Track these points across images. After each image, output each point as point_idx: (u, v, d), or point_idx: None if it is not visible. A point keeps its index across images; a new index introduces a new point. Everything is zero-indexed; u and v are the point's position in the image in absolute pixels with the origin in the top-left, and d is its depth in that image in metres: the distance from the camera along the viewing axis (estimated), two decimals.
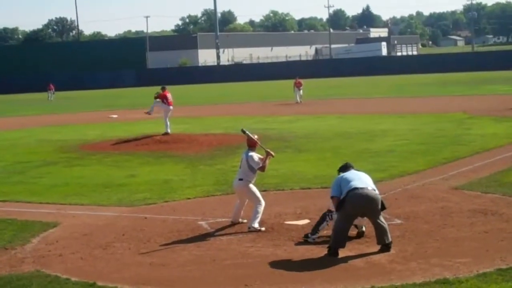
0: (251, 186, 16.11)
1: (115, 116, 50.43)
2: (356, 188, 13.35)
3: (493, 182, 19.63)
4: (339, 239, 13.48)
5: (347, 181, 13.53)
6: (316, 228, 14.77)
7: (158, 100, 34.24)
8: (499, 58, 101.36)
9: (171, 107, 33.87)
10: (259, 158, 16.02)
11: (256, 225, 15.64)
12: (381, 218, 13.66)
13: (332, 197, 13.83)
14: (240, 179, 16.16)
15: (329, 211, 14.66)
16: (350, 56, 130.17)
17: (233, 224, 16.32)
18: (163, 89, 34.56)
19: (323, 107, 51.08)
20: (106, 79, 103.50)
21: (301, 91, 55.60)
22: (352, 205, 13.33)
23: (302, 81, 56.29)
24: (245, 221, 16.21)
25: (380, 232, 13.55)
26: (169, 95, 34.08)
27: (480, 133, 30.38)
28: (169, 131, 33.45)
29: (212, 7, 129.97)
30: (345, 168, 14.32)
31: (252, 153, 16.14)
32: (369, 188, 13.48)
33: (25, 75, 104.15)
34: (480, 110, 40.60)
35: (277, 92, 71.81)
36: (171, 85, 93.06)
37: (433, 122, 35.52)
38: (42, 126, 45.05)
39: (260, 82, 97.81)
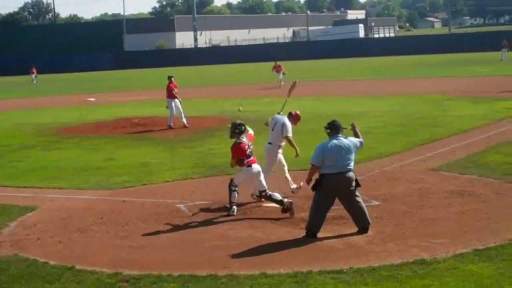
0: (278, 152, 17.04)
1: (92, 99, 50.23)
2: (338, 173, 13.31)
3: (470, 163, 19.73)
4: (315, 222, 13.50)
5: (332, 160, 13.30)
6: (230, 202, 15.46)
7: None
8: (476, 39, 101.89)
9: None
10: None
11: (294, 186, 16.67)
12: (359, 198, 13.68)
13: (311, 164, 13.64)
14: (270, 143, 17.14)
15: (231, 180, 15.49)
16: (327, 38, 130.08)
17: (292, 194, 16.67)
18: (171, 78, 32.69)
19: (301, 89, 50.57)
20: (83, 62, 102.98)
21: (281, 74, 54.33)
22: (331, 188, 13.33)
23: (281, 64, 55.51)
24: (301, 183, 16.39)
25: (360, 213, 13.58)
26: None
27: (457, 114, 30.52)
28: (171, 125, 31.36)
29: None
30: (332, 127, 13.74)
31: (289, 123, 17.06)
32: (349, 169, 13.45)
33: (2, 58, 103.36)
34: (457, 92, 40.80)
35: (255, 74, 71.84)
36: (149, 68, 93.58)
37: (410, 104, 35.65)
38: (19, 110, 44.87)
39: (237, 64, 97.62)
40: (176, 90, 31.86)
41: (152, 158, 23.71)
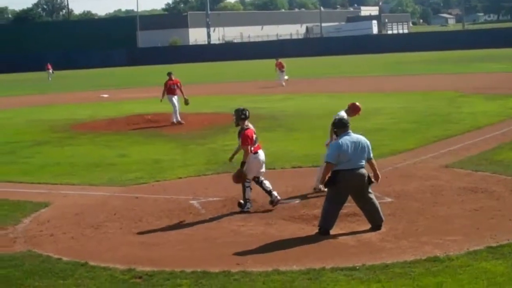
0: None
1: (106, 95, 50.30)
2: (352, 169, 13.30)
3: (484, 160, 19.66)
4: (328, 219, 13.48)
5: (346, 156, 13.25)
6: (244, 199, 15.42)
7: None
8: (490, 36, 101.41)
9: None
10: None
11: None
12: (371, 195, 13.67)
13: (327, 162, 13.51)
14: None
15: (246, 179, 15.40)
16: (341, 35, 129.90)
17: (315, 191, 16.70)
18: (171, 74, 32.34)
19: (314, 86, 51.05)
20: (97, 58, 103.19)
21: (284, 72, 52.80)
22: (346, 185, 13.30)
23: (283, 62, 53.75)
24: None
25: (373, 211, 13.56)
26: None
27: (471, 111, 30.38)
28: (175, 120, 31.20)
29: None
30: (341, 125, 13.69)
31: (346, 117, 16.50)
32: (362, 165, 13.45)
33: (15, 55, 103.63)
34: (471, 88, 40.62)
35: (267, 71, 71.32)
36: (162, 64, 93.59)
37: (424, 100, 35.54)
38: (32, 106, 44.94)
39: (250, 61, 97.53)
40: (177, 85, 31.78)
41: (164, 154, 23.75)
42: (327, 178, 13.45)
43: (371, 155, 13.68)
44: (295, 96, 42.55)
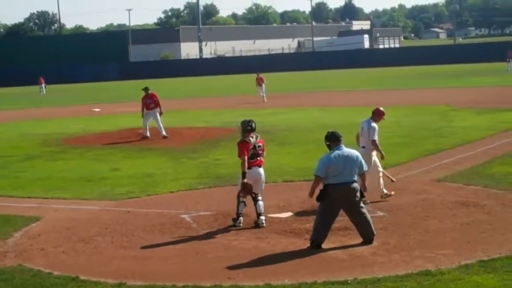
0: (372, 154, 17.17)
1: (97, 109, 50.23)
2: (341, 183, 13.29)
3: (475, 174, 19.68)
4: (320, 233, 13.48)
5: (336, 170, 13.26)
6: (237, 213, 15.29)
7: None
8: (481, 50, 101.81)
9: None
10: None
11: (385, 191, 16.94)
12: (363, 209, 13.65)
13: (315, 175, 13.55)
14: (363, 147, 17.02)
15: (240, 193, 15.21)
16: (332, 49, 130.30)
17: (382, 198, 17.05)
18: (148, 90, 32.60)
19: (306, 99, 51.07)
20: (89, 72, 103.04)
21: (263, 87, 51.89)
22: (336, 199, 13.30)
23: (263, 76, 52.89)
24: (392, 193, 17.04)
25: (364, 224, 13.54)
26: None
27: (462, 125, 30.43)
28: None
29: (195, 0, 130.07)
30: (334, 139, 13.65)
31: (374, 124, 17.18)
32: (353, 180, 13.45)
33: (7, 69, 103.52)
34: (462, 102, 40.69)
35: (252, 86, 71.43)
36: (154, 78, 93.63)
37: (415, 115, 35.55)
38: (24, 120, 44.77)
39: (242, 75, 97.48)
40: (154, 100, 31.91)
41: (156, 168, 23.68)
42: (318, 192, 13.48)
43: (364, 169, 13.70)
44: (286, 110, 42.57)
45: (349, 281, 11.47)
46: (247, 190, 15.20)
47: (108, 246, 14.47)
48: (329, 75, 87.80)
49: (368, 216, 13.68)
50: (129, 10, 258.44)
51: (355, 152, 13.67)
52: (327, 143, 13.78)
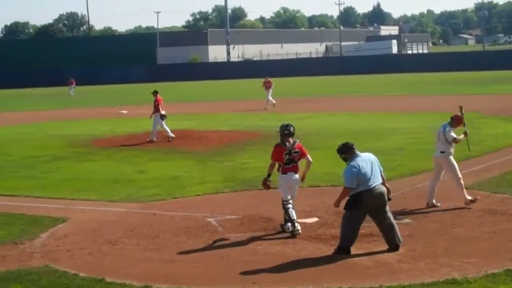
0: (451, 158, 17.26)
1: (125, 111, 50.36)
2: (373, 188, 13.25)
3: (503, 182, 19.57)
4: (349, 238, 13.43)
5: (365, 177, 13.23)
6: (290, 219, 14.94)
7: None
8: (510, 57, 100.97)
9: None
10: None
11: (468, 197, 16.87)
12: (390, 215, 13.58)
13: (346, 187, 13.42)
14: (442, 152, 17.26)
15: (283, 200, 15.05)
16: (360, 54, 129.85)
17: (428, 206, 16.91)
18: (156, 93, 32.77)
19: (334, 104, 50.92)
20: (116, 74, 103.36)
21: (270, 91, 50.35)
22: (367, 205, 13.24)
23: (271, 80, 51.77)
24: (438, 204, 16.94)
25: (390, 231, 13.48)
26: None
27: (491, 132, 30.11)
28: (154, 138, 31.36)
29: (223, 4, 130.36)
30: (347, 150, 13.67)
31: (450, 128, 17.51)
32: (380, 181, 13.45)
33: (35, 70, 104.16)
34: (491, 110, 40.34)
35: (286, 89, 71.46)
36: (181, 81, 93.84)
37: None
38: (52, 121, 44.99)
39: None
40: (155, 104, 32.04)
41: (183, 171, 23.69)
42: (348, 200, 13.44)
43: (381, 168, 13.73)
44: (314, 114, 42.44)
45: None
46: (265, 186, 15.36)
47: (134, 248, 14.52)
48: (357, 80, 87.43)
49: (394, 223, 13.62)
50: (158, 12, 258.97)
51: (371, 155, 13.78)
52: (343, 156, 13.74)
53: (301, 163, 15.36)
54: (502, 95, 53.09)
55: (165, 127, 31.43)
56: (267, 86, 50.88)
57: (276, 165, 15.19)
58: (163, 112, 31.29)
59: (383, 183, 13.56)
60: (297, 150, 15.10)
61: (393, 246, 13.50)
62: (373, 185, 13.27)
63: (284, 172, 15.05)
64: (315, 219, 16.15)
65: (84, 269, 13.12)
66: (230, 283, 12.00)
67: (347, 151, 13.66)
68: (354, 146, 13.69)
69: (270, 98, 49.82)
